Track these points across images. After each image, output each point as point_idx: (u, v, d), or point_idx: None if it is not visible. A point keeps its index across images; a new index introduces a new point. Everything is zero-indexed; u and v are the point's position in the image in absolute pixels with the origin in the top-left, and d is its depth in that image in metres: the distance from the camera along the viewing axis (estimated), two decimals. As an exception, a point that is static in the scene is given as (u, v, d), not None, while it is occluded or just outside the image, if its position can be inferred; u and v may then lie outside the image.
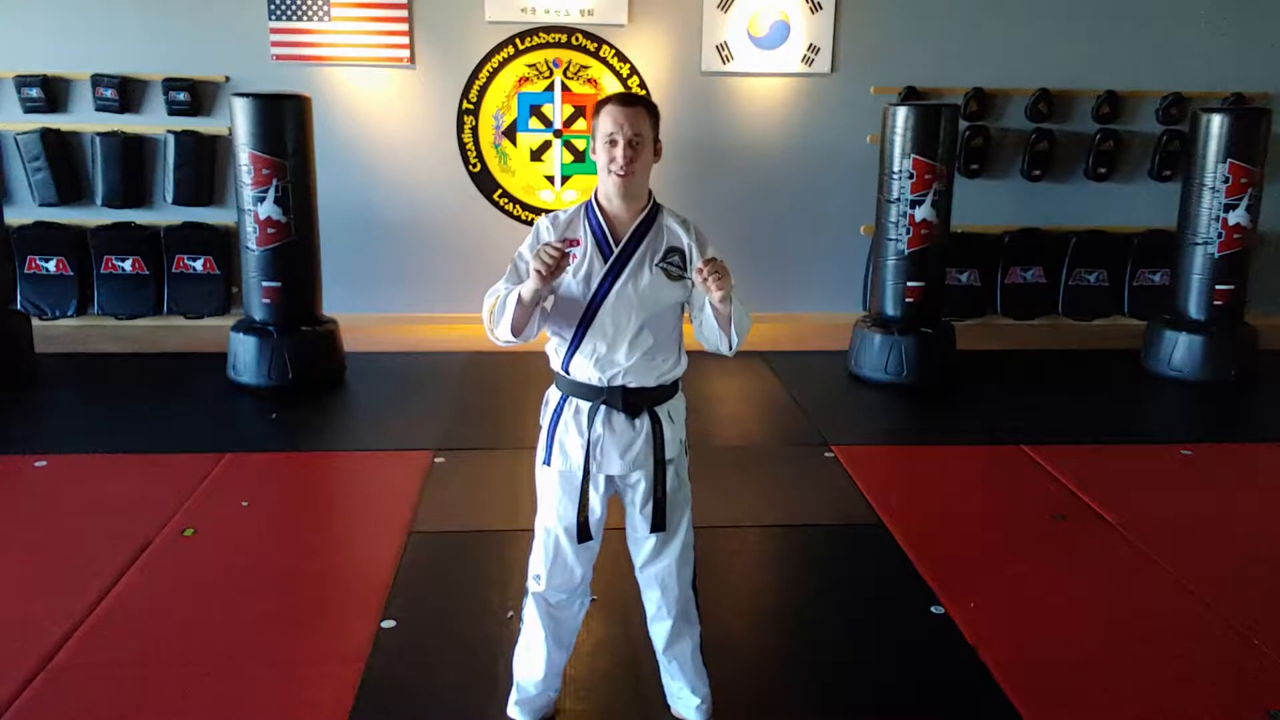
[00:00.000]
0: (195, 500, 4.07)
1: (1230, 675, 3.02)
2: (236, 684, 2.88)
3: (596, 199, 2.46)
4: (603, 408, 2.42)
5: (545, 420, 2.52)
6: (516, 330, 2.37)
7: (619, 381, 2.41)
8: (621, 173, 2.36)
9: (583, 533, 2.48)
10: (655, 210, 2.47)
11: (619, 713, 2.82)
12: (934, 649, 3.14)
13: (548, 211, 2.53)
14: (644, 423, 2.44)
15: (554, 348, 2.47)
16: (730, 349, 2.47)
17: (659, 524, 2.50)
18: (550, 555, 2.53)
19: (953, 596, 3.41)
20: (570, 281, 2.39)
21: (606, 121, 2.36)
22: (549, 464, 2.49)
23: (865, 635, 3.24)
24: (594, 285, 2.38)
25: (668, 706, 2.75)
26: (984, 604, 3.37)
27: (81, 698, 2.80)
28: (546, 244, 2.31)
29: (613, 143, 2.36)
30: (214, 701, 2.80)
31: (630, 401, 2.42)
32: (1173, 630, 3.25)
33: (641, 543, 2.56)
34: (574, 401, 2.45)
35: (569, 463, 2.46)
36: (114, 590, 3.35)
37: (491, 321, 2.42)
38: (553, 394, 2.52)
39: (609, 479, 2.49)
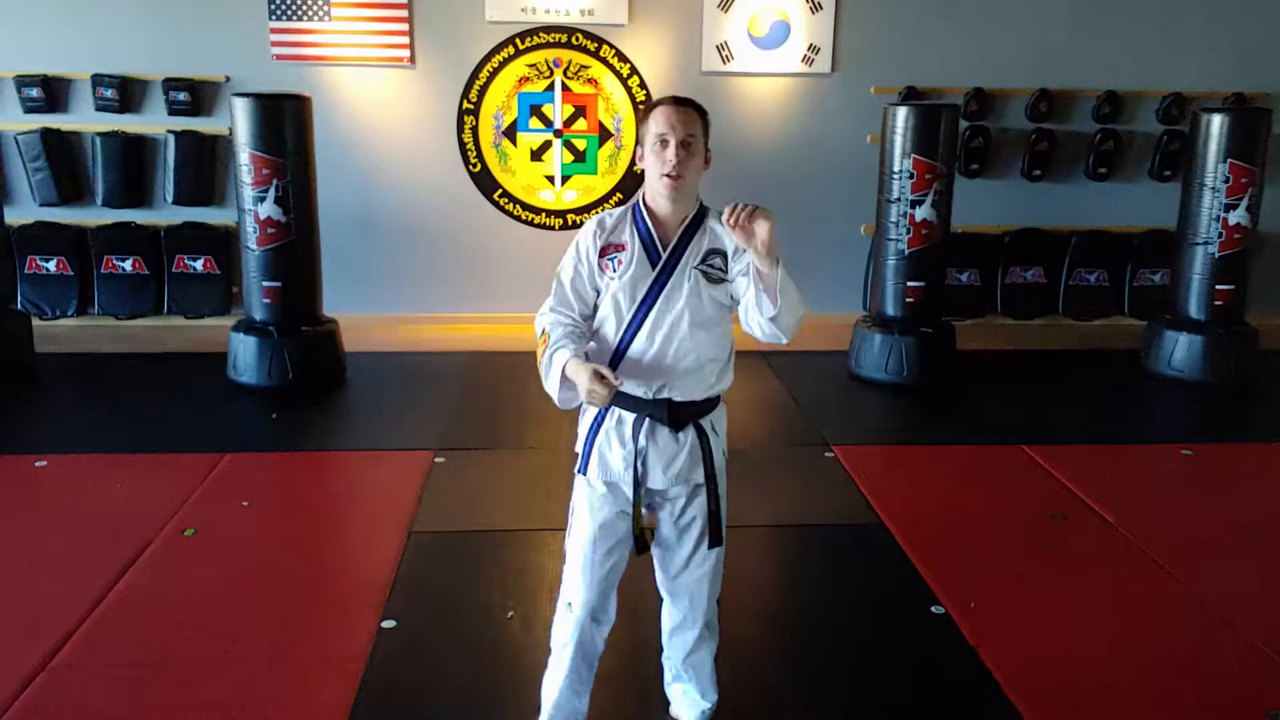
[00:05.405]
0: (195, 500, 4.07)
1: (1230, 675, 3.02)
2: (236, 684, 2.87)
3: (644, 201, 2.39)
4: (647, 420, 2.35)
5: (584, 428, 2.44)
6: (564, 403, 2.32)
7: (665, 394, 2.34)
8: (673, 174, 2.28)
9: (640, 544, 2.41)
10: (702, 213, 2.39)
11: (619, 712, 2.81)
12: (934, 649, 3.14)
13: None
14: (688, 436, 2.38)
15: (598, 356, 2.35)
16: (777, 320, 2.28)
17: (716, 539, 2.46)
18: (587, 573, 2.43)
19: (953, 596, 3.41)
20: (616, 287, 2.32)
21: (658, 122, 2.29)
22: (585, 473, 2.42)
23: (865, 635, 3.25)
24: (640, 293, 2.32)
25: (667, 706, 2.74)
26: (984, 604, 3.36)
27: (81, 698, 2.81)
28: (593, 387, 2.17)
29: (664, 144, 2.28)
30: (214, 701, 2.80)
31: (676, 415, 2.36)
32: (1173, 630, 3.25)
33: (675, 554, 2.50)
34: (616, 411, 2.37)
35: (610, 474, 2.38)
36: (114, 590, 3.35)
37: (540, 370, 2.34)
38: None
39: (646, 491, 2.41)
